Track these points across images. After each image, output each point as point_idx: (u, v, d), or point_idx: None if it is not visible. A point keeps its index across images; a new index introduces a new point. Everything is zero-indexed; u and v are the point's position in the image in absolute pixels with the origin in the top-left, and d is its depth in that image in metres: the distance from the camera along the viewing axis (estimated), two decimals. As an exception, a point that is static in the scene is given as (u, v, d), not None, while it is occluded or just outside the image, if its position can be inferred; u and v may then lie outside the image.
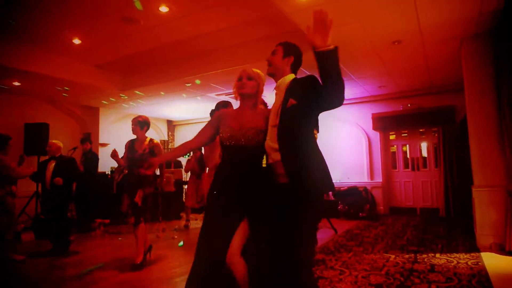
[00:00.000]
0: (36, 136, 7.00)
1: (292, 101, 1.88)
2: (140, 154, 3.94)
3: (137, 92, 7.11)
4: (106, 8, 4.26)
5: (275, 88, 2.08)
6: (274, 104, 2.05)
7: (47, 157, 4.99)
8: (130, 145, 4.04)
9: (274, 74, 2.08)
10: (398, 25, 4.31)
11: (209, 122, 2.26)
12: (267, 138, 2.01)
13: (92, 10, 4.30)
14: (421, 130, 8.14)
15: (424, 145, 8.14)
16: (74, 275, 3.66)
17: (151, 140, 4.05)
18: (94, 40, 5.25)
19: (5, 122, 6.94)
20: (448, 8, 3.86)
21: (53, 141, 5.02)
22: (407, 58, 5.54)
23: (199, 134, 2.23)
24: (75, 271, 3.83)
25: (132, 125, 4.02)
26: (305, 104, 1.85)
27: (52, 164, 4.82)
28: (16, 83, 6.31)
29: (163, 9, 4.28)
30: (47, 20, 4.52)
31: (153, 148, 3.99)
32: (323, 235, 5.49)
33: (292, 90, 1.94)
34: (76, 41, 5.20)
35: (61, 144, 5.01)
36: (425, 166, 7.94)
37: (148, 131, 4.12)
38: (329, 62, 1.66)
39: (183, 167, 7.87)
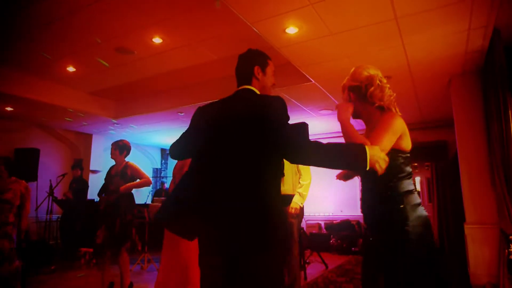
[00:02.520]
0: (26, 161, 6.94)
1: None
2: (111, 176, 3.80)
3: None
4: (100, 38, 4.33)
5: None
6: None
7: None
8: (108, 171, 3.92)
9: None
10: (387, 61, 4.39)
11: None
12: None
13: (86, 39, 4.37)
14: (414, 164, 8.13)
15: (417, 179, 8.12)
16: None
17: (126, 163, 3.89)
18: (88, 68, 5.31)
19: (-5, 146, 6.89)
20: (434, 46, 3.95)
21: None
22: (397, 93, 5.57)
23: None
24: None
25: (111, 149, 3.89)
26: None
27: None
28: (9, 108, 6.31)
29: (157, 40, 4.36)
30: (41, 47, 4.58)
31: (126, 169, 3.80)
32: (313, 270, 5.33)
33: None
34: (71, 68, 5.26)
35: None
36: (419, 200, 7.86)
37: (128, 156, 3.98)
38: None
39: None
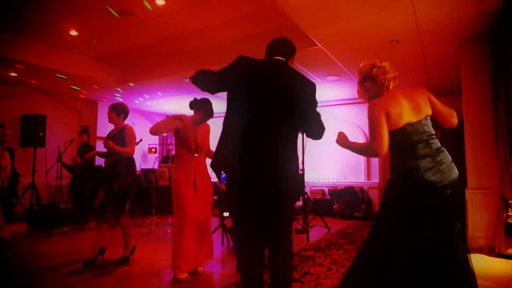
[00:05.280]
0: (33, 127, 7.02)
1: None
2: (110, 138, 3.74)
3: (130, 84, 7.09)
4: (102, -1, 4.26)
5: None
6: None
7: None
8: (108, 135, 3.89)
9: None
10: (396, 23, 4.26)
11: None
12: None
13: (87, 1, 4.29)
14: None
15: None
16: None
17: (125, 126, 3.80)
18: (91, 32, 5.24)
19: (1, 112, 6.95)
20: (446, 6, 3.82)
21: None
22: (405, 59, 5.51)
23: None
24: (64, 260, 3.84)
25: (108, 112, 3.82)
26: None
27: None
28: (13, 74, 6.31)
29: (159, 1, 4.27)
30: (43, 10, 4.51)
31: (123, 132, 3.73)
32: (316, 233, 5.48)
33: None
34: (73, 32, 5.20)
35: None
36: (422, 168, 7.88)
37: (126, 119, 3.89)
38: None
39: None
